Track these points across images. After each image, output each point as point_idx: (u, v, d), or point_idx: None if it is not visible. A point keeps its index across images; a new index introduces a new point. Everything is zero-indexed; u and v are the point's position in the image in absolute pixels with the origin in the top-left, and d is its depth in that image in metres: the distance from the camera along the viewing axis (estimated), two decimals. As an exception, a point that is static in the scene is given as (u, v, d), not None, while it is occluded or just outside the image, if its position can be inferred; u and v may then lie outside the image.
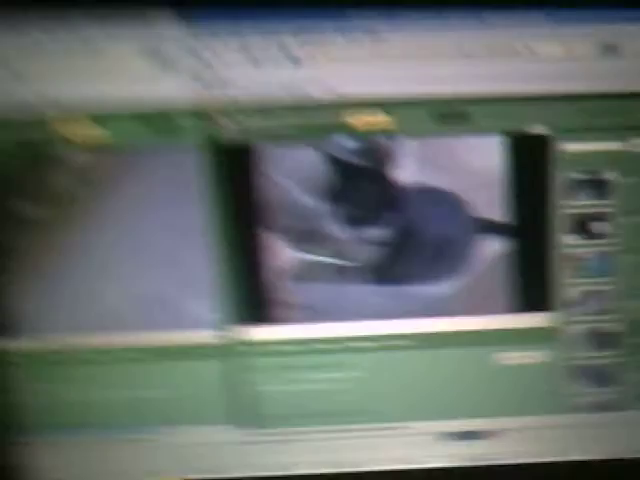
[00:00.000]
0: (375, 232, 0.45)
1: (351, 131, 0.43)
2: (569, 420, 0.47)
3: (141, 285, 0.45)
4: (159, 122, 0.43)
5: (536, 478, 0.49)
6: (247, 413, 0.47)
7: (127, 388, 0.46)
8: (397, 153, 0.44)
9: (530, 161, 0.44)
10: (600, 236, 0.45)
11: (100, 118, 0.42)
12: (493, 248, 0.45)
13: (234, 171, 0.44)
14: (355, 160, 0.44)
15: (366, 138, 0.43)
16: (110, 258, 0.44)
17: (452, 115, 0.43)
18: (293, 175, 0.44)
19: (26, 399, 0.46)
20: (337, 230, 0.45)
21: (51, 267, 0.44)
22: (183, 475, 0.48)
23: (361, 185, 0.44)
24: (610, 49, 0.43)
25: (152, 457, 0.47)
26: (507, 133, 0.44)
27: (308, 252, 0.45)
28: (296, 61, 0.42)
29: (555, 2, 0.42)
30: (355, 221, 0.45)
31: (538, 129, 0.44)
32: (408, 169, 0.44)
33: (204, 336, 0.46)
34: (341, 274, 0.45)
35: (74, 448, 0.47)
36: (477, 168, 0.44)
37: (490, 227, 0.45)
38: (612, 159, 0.44)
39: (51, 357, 0.46)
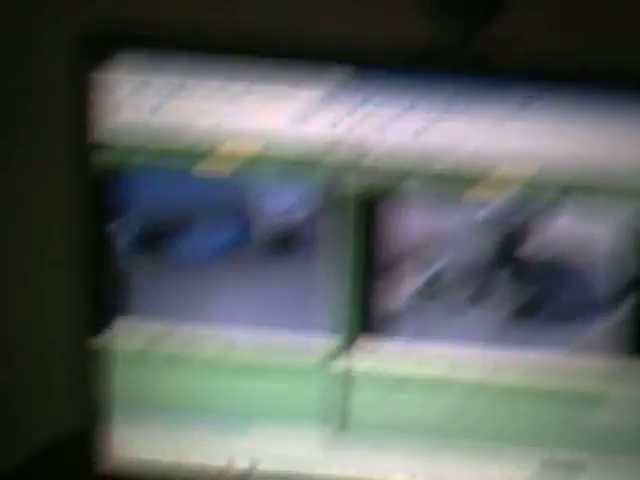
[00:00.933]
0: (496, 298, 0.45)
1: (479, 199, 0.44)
2: None
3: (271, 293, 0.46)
4: (299, 168, 0.44)
5: None
6: (339, 418, 0.48)
7: (229, 380, 0.47)
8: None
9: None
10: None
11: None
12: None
13: (367, 220, 0.45)
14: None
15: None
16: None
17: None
18: (422, 229, 0.45)
19: (123, 385, 0.48)
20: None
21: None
22: (269, 467, 0.49)
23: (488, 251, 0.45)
24: None
25: (235, 447, 0.49)
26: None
27: (424, 299, 0.46)
28: (434, 131, 0.43)
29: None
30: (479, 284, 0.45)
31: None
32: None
33: (315, 345, 0.47)
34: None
35: (167, 433, 0.49)
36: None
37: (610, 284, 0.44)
38: None
39: (156, 350, 0.47)
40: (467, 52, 0.45)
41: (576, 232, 0.44)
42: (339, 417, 0.48)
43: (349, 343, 0.47)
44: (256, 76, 0.42)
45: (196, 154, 0.44)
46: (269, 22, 0.45)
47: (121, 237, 0.45)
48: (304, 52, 0.41)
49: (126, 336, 0.47)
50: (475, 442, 0.47)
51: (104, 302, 0.47)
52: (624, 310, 0.45)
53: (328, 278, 0.45)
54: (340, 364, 0.47)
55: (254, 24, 0.44)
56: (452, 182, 0.44)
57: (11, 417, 0.61)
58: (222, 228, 0.45)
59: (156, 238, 0.45)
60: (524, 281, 0.45)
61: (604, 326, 0.45)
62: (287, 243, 0.45)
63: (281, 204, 0.44)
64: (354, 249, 0.45)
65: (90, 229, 0.45)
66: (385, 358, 0.47)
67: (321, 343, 0.47)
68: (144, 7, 0.45)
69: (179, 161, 0.44)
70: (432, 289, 0.45)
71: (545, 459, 0.47)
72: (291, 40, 0.41)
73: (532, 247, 0.44)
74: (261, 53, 0.41)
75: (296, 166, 0.44)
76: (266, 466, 0.49)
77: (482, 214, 0.44)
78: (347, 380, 0.47)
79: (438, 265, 0.45)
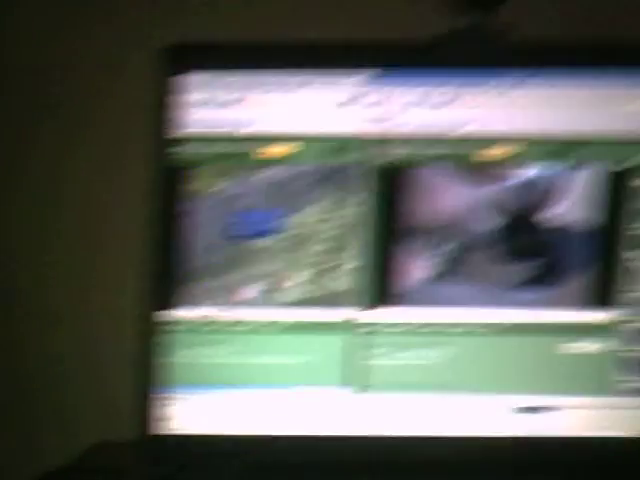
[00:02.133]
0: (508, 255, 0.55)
1: (485, 162, 0.55)
2: (616, 402, 0.57)
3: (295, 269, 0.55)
4: (339, 147, 0.54)
5: (584, 450, 0.57)
6: (359, 379, 0.57)
7: (263, 354, 0.56)
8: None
9: (619, 191, 0.55)
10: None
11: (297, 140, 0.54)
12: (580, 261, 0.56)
13: (392, 187, 0.55)
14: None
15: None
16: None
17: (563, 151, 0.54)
18: (442, 196, 0.55)
19: (170, 359, 0.56)
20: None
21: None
22: (295, 431, 0.57)
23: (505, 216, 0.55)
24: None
25: (269, 413, 0.57)
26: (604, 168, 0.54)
27: (439, 259, 0.56)
28: (449, 105, 0.54)
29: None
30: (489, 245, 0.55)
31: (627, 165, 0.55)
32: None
33: (339, 314, 0.56)
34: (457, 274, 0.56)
35: (201, 403, 0.57)
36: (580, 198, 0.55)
37: (575, 244, 0.55)
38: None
39: (201, 326, 0.56)
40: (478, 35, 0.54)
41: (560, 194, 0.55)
42: (361, 381, 0.56)
43: (370, 310, 0.56)
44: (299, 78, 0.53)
45: (255, 146, 0.54)
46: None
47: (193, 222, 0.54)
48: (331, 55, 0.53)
49: (184, 312, 0.55)
50: (460, 391, 0.57)
51: (170, 277, 0.55)
52: (596, 265, 0.55)
53: (352, 249, 0.55)
54: (361, 331, 0.56)
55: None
56: (467, 157, 0.54)
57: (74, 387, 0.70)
58: (272, 212, 0.55)
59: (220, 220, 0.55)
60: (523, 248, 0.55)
61: (577, 281, 0.55)
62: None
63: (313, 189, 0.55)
64: (377, 221, 0.55)
65: (164, 213, 0.54)
66: (403, 325, 0.56)
67: (344, 313, 0.56)
68: (218, 27, 0.57)
69: (242, 152, 0.54)
70: (450, 259, 0.55)
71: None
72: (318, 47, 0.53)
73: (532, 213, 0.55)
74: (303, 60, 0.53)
75: (332, 149, 0.54)
76: (294, 431, 0.57)
77: (492, 187, 0.54)
78: (368, 345, 0.56)
79: (453, 237, 0.55)
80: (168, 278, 0.55)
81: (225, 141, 0.54)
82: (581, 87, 0.54)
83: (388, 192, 0.55)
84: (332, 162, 0.55)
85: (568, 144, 0.54)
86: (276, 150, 0.54)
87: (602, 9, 0.60)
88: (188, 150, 0.54)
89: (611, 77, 0.54)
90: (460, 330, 0.56)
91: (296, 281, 0.56)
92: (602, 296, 0.56)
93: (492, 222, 0.55)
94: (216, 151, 0.54)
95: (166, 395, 0.56)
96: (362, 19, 0.59)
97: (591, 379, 0.57)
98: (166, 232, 0.55)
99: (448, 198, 0.55)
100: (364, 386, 0.57)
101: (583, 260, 0.56)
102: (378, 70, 0.54)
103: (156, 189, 0.54)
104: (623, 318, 0.56)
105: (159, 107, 0.54)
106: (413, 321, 0.56)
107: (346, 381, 0.57)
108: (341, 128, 0.54)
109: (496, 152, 0.54)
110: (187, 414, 0.57)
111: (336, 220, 0.55)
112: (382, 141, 0.55)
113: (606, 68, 0.54)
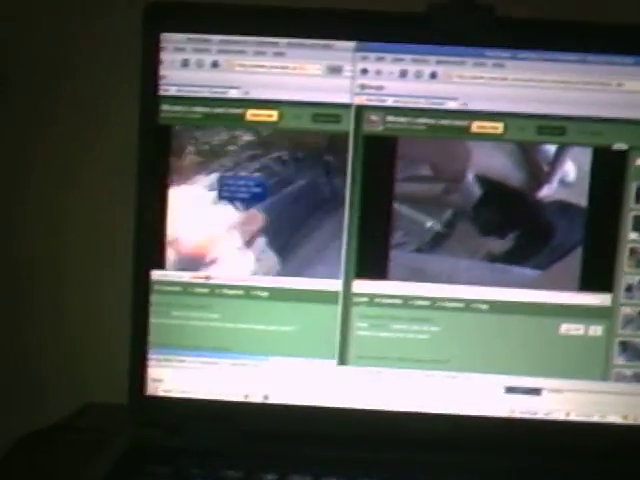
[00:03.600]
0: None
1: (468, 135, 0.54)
2: (613, 387, 0.57)
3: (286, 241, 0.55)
4: (325, 115, 0.54)
5: (580, 434, 0.57)
6: (350, 352, 0.57)
7: (252, 321, 0.56)
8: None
9: (610, 171, 0.54)
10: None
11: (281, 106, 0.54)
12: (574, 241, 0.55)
13: (376, 157, 0.54)
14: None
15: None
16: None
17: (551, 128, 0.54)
18: (428, 165, 0.54)
19: (164, 321, 0.56)
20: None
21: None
22: (280, 400, 0.57)
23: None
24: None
25: (256, 381, 0.57)
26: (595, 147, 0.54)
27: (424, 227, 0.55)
28: (434, 77, 0.53)
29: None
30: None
31: (619, 146, 0.54)
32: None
33: (326, 285, 0.56)
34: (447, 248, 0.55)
35: (193, 367, 0.57)
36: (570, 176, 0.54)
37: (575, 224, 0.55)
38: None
39: (195, 288, 0.56)
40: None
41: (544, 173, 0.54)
42: (350, 352, 0.56)
43: (350, 283, 0.55)
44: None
45: (241, 109, 0.54)
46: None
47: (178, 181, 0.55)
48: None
49: (167, 278, 0.56)
50: (454, 370, 0.56)
51: (155, 243, 0.55)
52: (579, 247, 0.54)
53: (333, 222, 0.55)
54: (342, 303, 0.56)
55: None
56: (452, 129, 0.54)
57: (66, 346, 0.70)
58: (258, 178, 0.54)
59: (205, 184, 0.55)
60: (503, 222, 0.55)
61: (562, 263, 0.55)
62: (301, 192, 0.55)
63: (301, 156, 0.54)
64: (360, 191, 0.54)
65: (152, 172, 0.54)
66: (381, 297, 0.56)
67: (325, 284, 0.55)
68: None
69: (226, 114, 0.54)
70: (438, 233, 0.55)
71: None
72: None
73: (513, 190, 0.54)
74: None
75: (313, 118, 0.54)
76: (277, 399, 0.57)
77: (477, 162, 0.54)
78: (347, 318, 0.56)
79: (440, 210, 0.55)
80: (157, 240, 0.55)
81: (209, 103, 0.54)
82: (566, 65, 0.53)
83: (371, 162, 0.55)
84: (313, 130, 0.54)
85: (556, 122, 0.54)
86: (259, 115, 0.54)
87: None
88: (173, 110, 0.54)
89: (596, 57, 0.53)
90: (458, 306, 0.56)
91: (282, 249, 0.55)
92: (605, 279, 0.55)
93: (482, 197, 0.55)
94: (201, 112, 0.54)
95: (158, 357, 0.57)
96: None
97: (588, 363, 0.56)
98: (154, 194, 0.55)
99: (434, 171, 0.55)
100: (349, 358, 0.57)
101: (581, 241, 0.55)
102: (361, 41, 0.53)
103: (142, 148, 0.54)
104: (623, 301, 0.55)
105: (142, 67, 0.53)
106: (398, 294, 0.56)
107: (338, 353, 0.57)
108: (323, 97, 0.54)
109: (482, 127, 0.54)
110: (177, 377, 0.57)
111: (317, 189, 0.55)
112: (364, 110, 0.54)
113: (590, 48, 0.53)
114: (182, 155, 0.55)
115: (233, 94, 0.54)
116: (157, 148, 0.55)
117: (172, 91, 0.54)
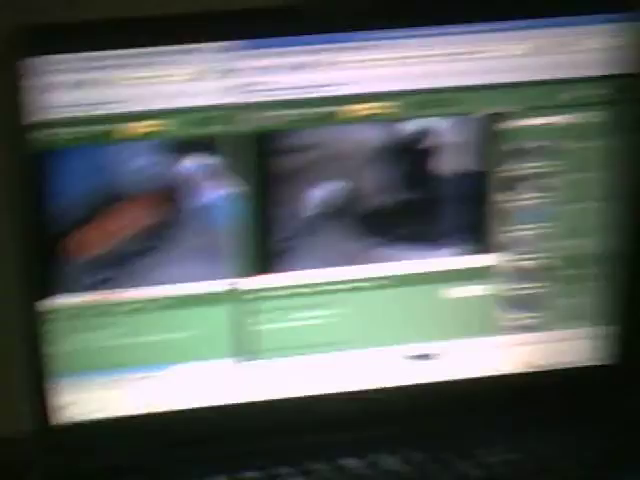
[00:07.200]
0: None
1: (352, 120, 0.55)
2: (501, 340, 0.59)
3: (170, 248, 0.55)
4: (199, 117, 0.53)
5: (475, 391, 0.60)
6: (248, 348, 0.57)
7: (148, 334, 0.56)
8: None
9: (488, 134, 0.56)
10: (536, 191, 0.57)
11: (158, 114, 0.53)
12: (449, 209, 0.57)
13: (255, 153, 0.54)
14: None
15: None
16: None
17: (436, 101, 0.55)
18: (308, 154, 0.54)
19: (59, 347, 0.55)
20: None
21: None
22: (188, 405, 0.57)
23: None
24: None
25: (161, 391, 0.57)
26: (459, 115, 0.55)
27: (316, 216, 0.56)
28: (303, 68, 0.53)
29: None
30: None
31: (494, 109, 0.55)
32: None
33: (217, 285, 0.56)
34: (326, 232, 0.56)
35: (95, 387, 0.56)
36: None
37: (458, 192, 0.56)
38: (550, 131, 0.56)
39: (87, 311, 0.55)
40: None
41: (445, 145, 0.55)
42: (249, 348, 0.57)
43: (235, 281, 0.56)
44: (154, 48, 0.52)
45: (115, 124, 0.53)
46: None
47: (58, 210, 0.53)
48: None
49: (64, 301, 0.54)
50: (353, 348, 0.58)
51: (46, 271, 0.54)
52: (472, 210, 0.56)
53: (227, 219, 0.55)
54: (243, 299, 0.56)
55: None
56: (332, 115, 0.54)
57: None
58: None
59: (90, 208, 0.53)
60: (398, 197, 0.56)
61: (439, 231, 0.57)
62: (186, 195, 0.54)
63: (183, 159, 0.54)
64: (251, 187, 0.54)
65: (30, 204, 0.53)
66: (269, 290, 0.56)
67: (211, 286, 0.55)
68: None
69: (103, 132, 0.53)
70: (326, 216, 0.55)
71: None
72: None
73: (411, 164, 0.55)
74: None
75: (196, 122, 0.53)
76: (182, 405, 0.57)
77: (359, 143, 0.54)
78: (250, 313, 0.56)
79: (321, 196, 0.55)
80: (42, 266, 0.54)
81: (85, 123, 0.53)
82: (442, 40, 0.54)
83: (258, 160, 0.55)
84: (197, 134, 0.54)
85: (436, 95, 0.55)
86: (139, 127, 0.53)
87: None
88: (47, 135, 0.53)
89: (453, 28, 0.54)
90: (345, 287, 0.57)
91: (173, 256, 0.55)
92: (480, 240, 0.57)
93: (367, 177, 0.56)
94: (77, 133, 0.53)
95: (57, 385, 0.56)
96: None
97: (478, 321, 0.59)
98: (33, 220, 0.53)
99: (315, 159, 0.55)
100: (256, 353, 0.57)
101: (460, 207, 0.57)
102: (235, 39, 0.53)
103: (19, 176, 0.53)
104: (501, 259, 0.58)
105: (11, 93, 0.51)
106: (296, 283, 0.57)
107: (237, 351, 0.57)
108: (204, 100, 0.53)
109: (362, 109, 0.55)
110: (83, 400, 0.56)
111: (212, 188, 0.55)
112: (245, 108, 0.54)
113: (451, 21, 0.54)
114: (58, 180, 0.53)
115: (108, 109, 0.53)
116: (29, 176, 0.53)
117: (40, 116, 0.52)
